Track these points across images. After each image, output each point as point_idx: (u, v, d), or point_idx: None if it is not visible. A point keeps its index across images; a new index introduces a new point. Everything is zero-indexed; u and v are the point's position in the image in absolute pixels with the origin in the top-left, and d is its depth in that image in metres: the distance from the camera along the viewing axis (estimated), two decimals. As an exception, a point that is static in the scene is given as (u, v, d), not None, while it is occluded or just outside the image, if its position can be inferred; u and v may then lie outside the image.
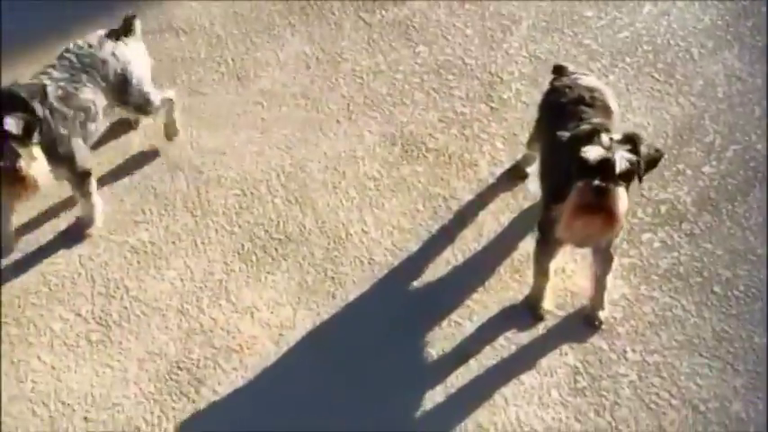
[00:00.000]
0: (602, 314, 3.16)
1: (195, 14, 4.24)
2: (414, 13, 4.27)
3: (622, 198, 2.58)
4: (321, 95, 3.93)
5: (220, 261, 3.37)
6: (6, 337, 3.14)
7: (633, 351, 3.11)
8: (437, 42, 4.14)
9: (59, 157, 3.13)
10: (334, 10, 4.28)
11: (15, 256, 3.35)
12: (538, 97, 3.35)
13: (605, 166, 2.57)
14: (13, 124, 2.84)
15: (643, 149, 2.64)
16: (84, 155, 3.26)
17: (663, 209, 3.51)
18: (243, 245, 3.42)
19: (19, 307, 3.21)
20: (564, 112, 3.00)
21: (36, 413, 2.97)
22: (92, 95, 3.25)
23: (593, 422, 2.94)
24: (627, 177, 2.61)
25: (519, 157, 3.62)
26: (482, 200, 3.55)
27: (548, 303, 3.19)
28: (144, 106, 3.47)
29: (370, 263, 3.37)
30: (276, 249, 3.41)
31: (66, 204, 3.50)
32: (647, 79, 3.97)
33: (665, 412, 2.96)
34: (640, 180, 2.70)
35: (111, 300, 3.25)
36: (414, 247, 3.41)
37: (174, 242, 3.43)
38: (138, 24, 3.44)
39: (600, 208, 2.58)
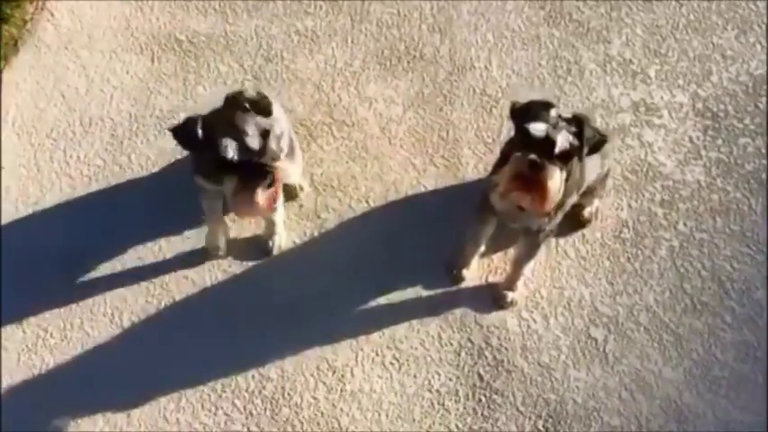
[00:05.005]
0: (511, 295, 3.16)
1: None
2: None
3: (555, 177, 2.58)
4: (492, -46, 4.32)
5: (361, 58, 3.97)
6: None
7: (685, 225, 3.34)
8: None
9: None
10: None
11: (210, 12, 4.15)
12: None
13: (546, 143, 2.57)
14: (233, 147, 2.72)
15: (588, 132, 2.62)
16: None
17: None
18: (383, 51, 3.98)
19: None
20: None
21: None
22: None
23: (621, 265, 3.26)
24: (565, 158, 2.59)
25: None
26: (604, 71, 3.84)
27: (468, 271, 3.23)
28: None
29: (481, 94, 3.81)
30: (408, 62, 3.94)
31: None
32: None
33: (690, 278, 3.21)
34: (580, 159, 2.70)
35: (268, 62, 3.97)
36: (525, 92, 3.80)
37: (329, 35, 4.06)
38: None
39: (533, 182, 2.59)
